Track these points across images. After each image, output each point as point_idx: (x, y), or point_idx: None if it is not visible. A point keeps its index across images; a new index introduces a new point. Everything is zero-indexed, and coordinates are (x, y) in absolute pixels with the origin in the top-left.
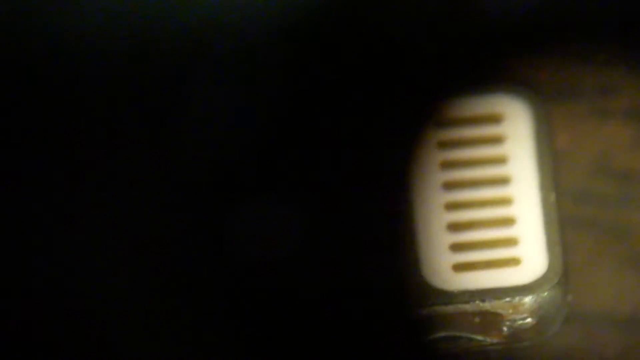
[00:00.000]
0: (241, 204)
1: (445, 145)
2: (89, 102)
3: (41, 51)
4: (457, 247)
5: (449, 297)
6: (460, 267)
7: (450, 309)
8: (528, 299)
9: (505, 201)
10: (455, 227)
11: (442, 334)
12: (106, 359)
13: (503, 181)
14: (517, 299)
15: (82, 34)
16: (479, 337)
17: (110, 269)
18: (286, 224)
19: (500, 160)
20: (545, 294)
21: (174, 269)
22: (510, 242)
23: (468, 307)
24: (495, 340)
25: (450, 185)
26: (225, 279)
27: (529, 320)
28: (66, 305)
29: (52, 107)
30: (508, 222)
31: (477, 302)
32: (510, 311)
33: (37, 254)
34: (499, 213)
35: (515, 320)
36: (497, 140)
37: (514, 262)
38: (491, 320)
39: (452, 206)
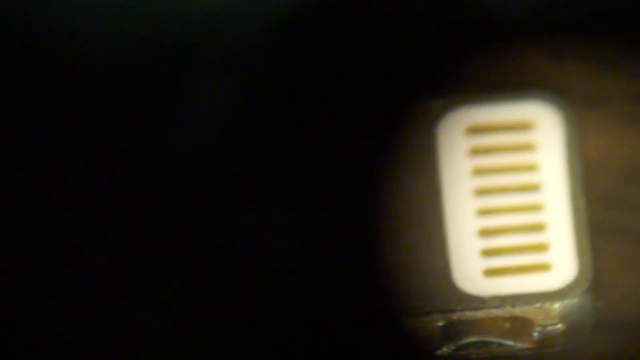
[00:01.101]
0: (241, 206)
1: (477, 152)
2: (87, 102)
3: (38, 50)
4: (487, 253)
5: (480, 302)
6: (490, 273)
7: (480, 314)
8: (558, 305)
9: (536, 207)
10: (486, 232)
11: (473, 339)
12: (107, 359)
13: (534, 188)
14: (547, 304)
15: (79, 33)
16: (509, 343)
17: (109, 270)
18: (292, 226)
19: (531, 167)
20: (576, 300)
21: (173, 270)
22: (541, 248)
23: (498, 312)
24: (525, 345)
25: (481, 192)
26: (225, 280)
27: (559, 326)
28: (67, 305)
29: (50, 107)
30: (538, 228)
31: (507, 307)
32: (541, 317)
33: (37, 255)
34: (530, 219)
35: (545, 326)
36: (528, 147)
37: (544, 267)
38: (521, 326)
39: (484, 212)
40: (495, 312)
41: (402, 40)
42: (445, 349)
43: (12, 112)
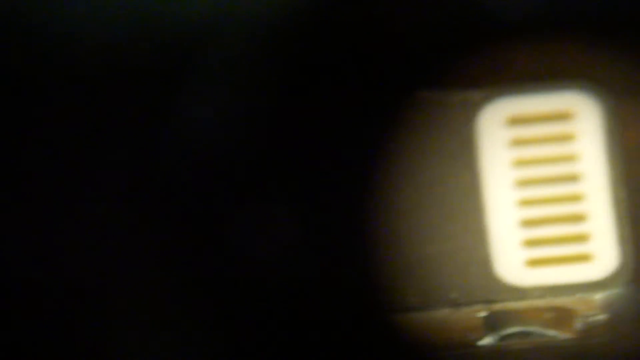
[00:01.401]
0: (240, 205)
1: (517, 143)
2: (87, 101)
3: (39, 49)
4: (529, 244)
5: (521, 293)
6: (532, 263)
7: (522, 304)
8: (600, 296)
9: (576, 198)
10: (527, 223)
11: (515, 329)
12: (106, 358)
13: (574, 178)
14: (589, 295)
15: (80, 32)
16: (552, 333)
17: (107, 269)
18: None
19: (571, 158)
20: (618, 290)
21: (173, 269)
22: (582, 238)
23: (540, 302)
24: (567, 336)
25: (522, 183)
26: (224, 279)
27: (601, 316)
28: (65, 305)
29: (50, 106)
30: (579, 218)
31: (549, 298)
32: (583, 307)
33: (35, 254)
34: (571, 210)
35: (587, 317)
36: (567, 137)
37: (585, 258)
38: (563, 316)
39: (524, 203)
40: (537, 303)
41: (441, 32)
42: (487, 340)
43: (13, 109)
